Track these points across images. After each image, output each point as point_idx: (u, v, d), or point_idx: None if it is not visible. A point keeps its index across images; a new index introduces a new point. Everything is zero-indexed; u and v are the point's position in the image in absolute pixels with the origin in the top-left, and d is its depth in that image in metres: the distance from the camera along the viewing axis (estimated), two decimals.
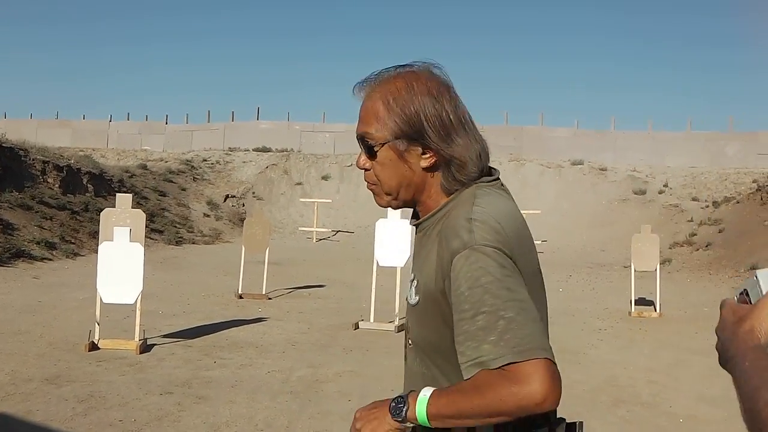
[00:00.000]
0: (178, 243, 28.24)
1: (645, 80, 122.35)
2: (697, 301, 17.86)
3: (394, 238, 12.77)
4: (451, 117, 2.02)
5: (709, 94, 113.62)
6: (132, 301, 10.05)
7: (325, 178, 39.99)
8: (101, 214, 10.69)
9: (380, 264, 12.90)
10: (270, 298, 15.57)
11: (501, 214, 1.95)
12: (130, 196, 10.75)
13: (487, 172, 2.09)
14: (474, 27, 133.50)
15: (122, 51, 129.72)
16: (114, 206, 10.78)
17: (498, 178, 2.11)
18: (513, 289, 1.82)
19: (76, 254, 21.74)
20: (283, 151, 42.08)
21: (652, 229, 17.17)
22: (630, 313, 15.29)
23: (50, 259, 20.26)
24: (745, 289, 1.25)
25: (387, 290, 13.00)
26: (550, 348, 1.78)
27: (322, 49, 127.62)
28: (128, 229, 10.17)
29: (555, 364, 1.76)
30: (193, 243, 29.43)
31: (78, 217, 25.17)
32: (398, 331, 11.95)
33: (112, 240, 10.14)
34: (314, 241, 33.38)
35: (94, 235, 23.31)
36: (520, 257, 1.91)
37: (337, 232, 35.04)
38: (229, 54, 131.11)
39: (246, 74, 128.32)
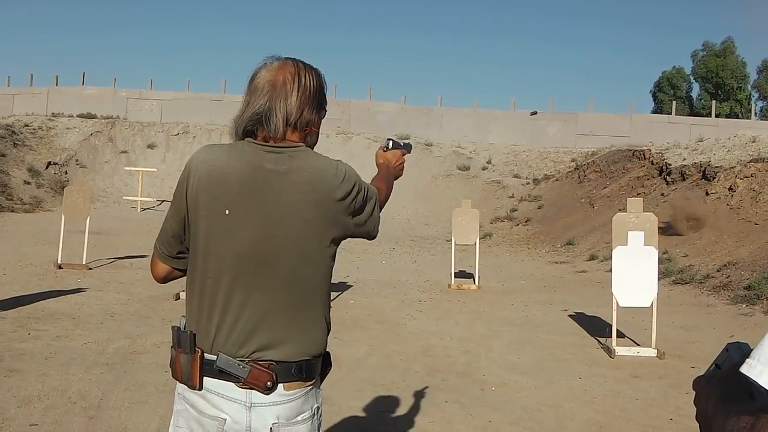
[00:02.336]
0: None
1: (471, 58, 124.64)
2: (514, 274, 18.46)
3: None
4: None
5: (532, 75, 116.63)
6: None
7: (150, 146, 39.25)
8: None
9: None
10: (90, 269, 15.26)
11: (205, 156, 2.60)
12: None
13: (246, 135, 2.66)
14: None
15: None
16: None
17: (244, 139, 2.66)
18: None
19: None
20: (108, 118, 41.01)
21: (473, 204, 17.59)
22: (450, 285, 15.67)
23: None
24: (716, 364, 1.35)
25: None
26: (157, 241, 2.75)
27: (149, 14, 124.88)
28: None
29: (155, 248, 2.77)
30: (12, 211, 28.43)
31: None
32: None
33: None
34: (139, 210, 32.80)
35: None
36: (200, 189, 2.54)
37: (162, 201, 34.43)
38: (54, 17, 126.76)
39: (71, 38, 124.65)
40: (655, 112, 60.66)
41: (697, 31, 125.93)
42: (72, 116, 40.98)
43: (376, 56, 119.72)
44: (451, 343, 10.20)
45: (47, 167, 35.43)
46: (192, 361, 2.50)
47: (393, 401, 7.09)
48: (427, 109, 42.02)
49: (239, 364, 2.46)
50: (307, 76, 2.66)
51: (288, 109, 2.58)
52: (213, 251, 2.53)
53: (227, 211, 2.51)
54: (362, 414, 6.79)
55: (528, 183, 34.25)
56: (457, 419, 6.81)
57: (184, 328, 2.58)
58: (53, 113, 41.42)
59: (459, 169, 36.74)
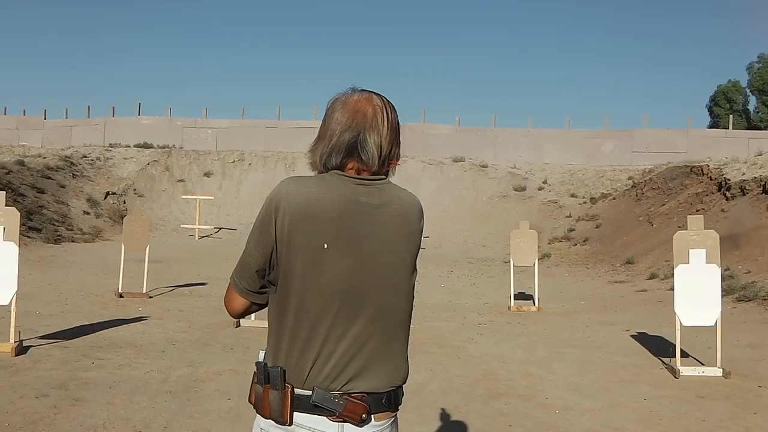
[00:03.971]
0: (56, 241, 27.60)
1: (526, 79, 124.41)
2: (574, 294, 18.32)
3: None
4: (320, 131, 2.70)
5: (586, 93, 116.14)
6: (6, 302, 9.80)
7: (207, 174, 39.58)
8: None
9: None
10: (151, 297, 15.39)
11: (295, 188, 2.57)
12: (3, 193, 10.44)
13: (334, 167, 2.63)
14: (353, 18, 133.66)
15: None
16: None
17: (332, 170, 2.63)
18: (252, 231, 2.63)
19: None
20: (164, 148, 41.47)
21: (530, 225, 17.48)
22: (509, 307, 15.58)
23: None
24: None
25: None
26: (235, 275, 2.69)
27: (203, 42, 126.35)
28: (2, 227, 9.92)
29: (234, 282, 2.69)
30: (73, 241, 28.79)
31: None
32: None
33: None
34: (196, 238, 33.04)
35: None
36: (293, 224, 2.51)
37: (220, 229, 34.75)
38: (109, 48, 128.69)
39: (126, 69, 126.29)
40: (711, 126, 60.05)
41: (753, 44, 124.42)
42: (129, 146, 41.48)
43: (429, 78, 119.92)
44: (512, 365, 10.12)
45: (106, 197, 35.87)
46: (283, 397, 2.50)
47: (457, 426, 7.04)
48: (482, 130, 41.86)
49: (335, 398, 2.47)
50: (391, 109, 2.69)
51: (380, 142, 2.61)
52: (310, 286, 2.52)
53: (325, 245, 2.50)
54: None
55: (585, 202, 33.99)
56: None
57: (272, 364, 2.56)
58: (110, 144, 41.95)
59: (515, 190, 36.57)
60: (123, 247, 16.08)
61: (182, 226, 34.64)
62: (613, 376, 9.68)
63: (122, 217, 20.39)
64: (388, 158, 2.65)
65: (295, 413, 2.49)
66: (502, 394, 8.55)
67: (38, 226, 27.65)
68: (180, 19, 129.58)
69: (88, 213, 33.26)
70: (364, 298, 2.54)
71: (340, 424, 2.48)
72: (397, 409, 2.64)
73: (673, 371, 9.81)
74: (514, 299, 15.96)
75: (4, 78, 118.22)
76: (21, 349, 9.69)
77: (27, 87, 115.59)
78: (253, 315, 12.11)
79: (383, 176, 2.66)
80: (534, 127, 42.25)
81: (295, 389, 2.49)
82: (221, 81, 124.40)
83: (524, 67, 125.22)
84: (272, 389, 2.52)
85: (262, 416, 2.58)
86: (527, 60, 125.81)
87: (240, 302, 2.72)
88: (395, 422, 2.65)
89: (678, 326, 9.99)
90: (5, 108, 47.42)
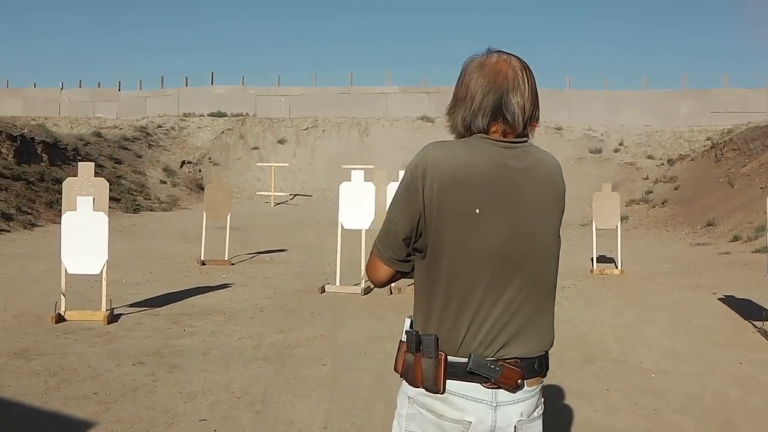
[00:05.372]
0: (135, 211, 28.06)
1: (600, 39, 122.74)
2: (656, 257, 18.09)
3: (358, 200, 12.71)
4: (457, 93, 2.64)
5: (663, 52, 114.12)
6: (98, 271, 9.93)
7: (281, 141, 39.81)
8: (63, 183, 10.48)
9: (345, 227, 12.86)
10: (233, 264, 15.54)
11: (442, 153, 2.49)
12: (92, 164, 10.57)
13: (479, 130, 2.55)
14: None
15: (71, 16, 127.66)
16: (72, 175, 10.62)
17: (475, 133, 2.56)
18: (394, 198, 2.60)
19: (33, 225, 21.43)
20: (238, 116, 41.80)
21: (611, 188, 17.31)
22: (592, 270, 15.44)
23: (7, 231, 19.97)
24: None
25: (351, 252, 13.02)
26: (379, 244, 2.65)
27: (276, 11, 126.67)
28: (91, 198, 10.03)
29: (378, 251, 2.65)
30: (151, 210, 29.23)
31: (34, 187, 24.81)
32: (364, 294, 11.99)
33: (75, 209, 10.00)
34: (272, 205, 33.26)
35: (51, 205, 23.11)
36: (442, 189, 2.44)
37: (295, 195, 34.96)
38: (181, 18, 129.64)
39: (199, 38, 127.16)
40: None
41: None
42: (203, 115, 41.90)
43: (503, 39, 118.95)
44: (602, 329, 10.01)
45: (181, 166, 36.28)
46: (437, 366, 2.44)
47: (555, 390, 6.97)
48: (557, 92, 41.36)
49: (491, 365, 2.42)
50: (530, 71, 2.60)
51: (524, 103, 2.52)
52: (463, 252, 2.46)
53: (477, 211, 2.44)
54: None
55: (662, 164, 33.53)
56: (622, 407, 6.66)
57: (423, 332, 2.51)
58: (184, 113, 42.44)
59: (591, 153, 36.20)
60: (204, 215, 16.23)
61: (258, 193, 34.92)
62: (706, 340, 9.51)
63: (198, 186, 20.56)
64: (530, 120, 2.56)
65: (448, 381, 2.43)
66: (596, 358, 8.46)
67: (117, 196, 28.03)
68: None
69: (164, 182, 33.71)
70: (518, 264, 2.48)
71: (494, 390, 2.43)
72: (545, 375, 2.58)
73: (767, 334, 9.63)
74: (596, 262, 15.81)
75: (78, 51, 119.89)
76: (113, 318, 9.83)
77: (101, 59, 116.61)
78: (337, 280, 12.23)
79: (525, 138, 2.57)
80: (609, 88, 41.74)
81: (448, 357, 2.44)
82: (293, 48, 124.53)
83: (599, 27, 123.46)
84: (425, 357, 2.46)
85: (411, 385, 2.52)
86: (602, 20, 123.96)
87: (386, 271, 2.67)
88: (542, 388, 2.60)
89: None
90: (80, 81, 48.43)
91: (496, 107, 2.50)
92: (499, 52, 2.60)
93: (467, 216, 2.43)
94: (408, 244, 2.56)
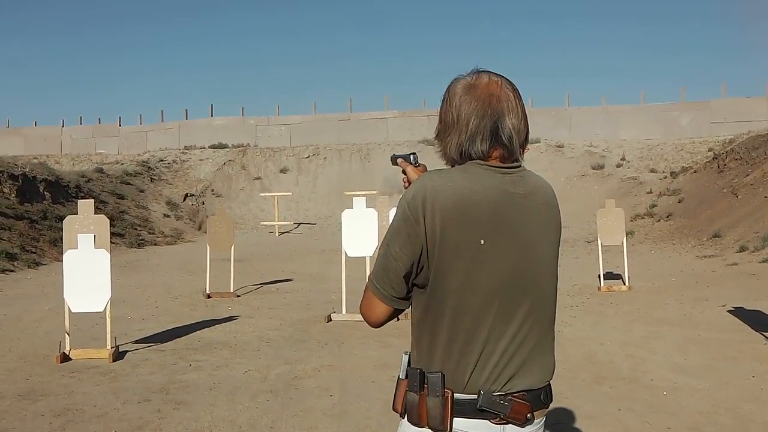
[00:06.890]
0: (140, 245, 27.98)
1: (598, 56, 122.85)
2: (664, 271, 17.99)
3: (361, 227, 12.64)
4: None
5: (660, 66, 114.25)
6: (101, 309, 9.87)
7: (283, 171, 39.83)
8: (64, 221, 10.44)
9: (348, 255, 12.79)
10: (238, 296, 15.46)
11: (441, 183, 2.38)
12: (92, 201, 10.53)
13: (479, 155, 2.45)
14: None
15: (68, 51, 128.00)
16: (74, 213, 10.57)
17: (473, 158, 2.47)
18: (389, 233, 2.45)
19: (37, 264, 21.39)
20: (239, 147, 41.84)
21: (615, 203, 17.24)
22: (599, 288, 15.35)
23: (12, 270, 19.90)
24: None
25: (356, 280, 12.93)
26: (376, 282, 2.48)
27: (273, 42, 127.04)
28: (92, 235, 9.98)
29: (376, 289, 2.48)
30: (155, 244, 29.16)
31: (37, 226, 24.78)
32: None
33: (76, 247, 9.95)
34: (277, 234, 33.21)
35: (55, 243, 23.05)
36: (445, 221, 2.33)
37: (299, 224, 34.92)
38: (180, 51, 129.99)
39: (198, 71, 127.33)
40: None
41: None
42: (204, 148, 41.96)
43: (501, 56, 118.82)
44: (612, 347, 9.92)
45: (184, 199, 36.29)
46: (444, 404, 2.35)
47: (566, 413, 6.89)
48: (556, 110, 41.41)
49: (500, 400, 2.34)
50: (519, 93, 2.54)
51: (519, 126, 2.47)
52: (470, 285, 2.36)
53: (482, 242, 2.35)
54: None
55: (666, 177, 33.46)
56: (634, 428, 6.58)
57: (427, 369, 2.41)
58: (185, 146, 42.49)
59: (593, 169, 36.16)
60: (208, 247, 16.18)
61: (262, 223, 34.89)
62: (717, 354, 9.43)
63: (203, 218, 20.53)
64: (524, 143, 2.51)
65: (454, 419, 2.35)
66: (606, 377, 8.37)
67: (121, 231, 28.03)
68: (242, 22, 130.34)
69: (168, 216, 33.71)
70: (524, 293, 2.42)
71: (502, 426, 2.36)
72: (549, 406, 2.51)
73: None
74: (604, 279, 15.72)
75: (79, 88, 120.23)
76: (118, 355, 9.77)
77: (101, 96, 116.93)
78: (343, 308, 12.15)
79: (520, 163, 2.51)
80: (608, 104, 41.70)
81: (455, 394, 2.35)
82: (292, 78, 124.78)
83: (596, 44, 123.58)
84: (431, 396, 2.37)
85: (415, 425, 2.42)
86: (599, 37, 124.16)
87: (384, 311, 2.53)
88: (545, 419, 2.53)
89: None
90: (80, 117, 48.29)
91: (494, 131, 2.43)
92: (487, 72, 2.53)
93: (472, 248, 2.35)
94: (408, 281, 2.45)
